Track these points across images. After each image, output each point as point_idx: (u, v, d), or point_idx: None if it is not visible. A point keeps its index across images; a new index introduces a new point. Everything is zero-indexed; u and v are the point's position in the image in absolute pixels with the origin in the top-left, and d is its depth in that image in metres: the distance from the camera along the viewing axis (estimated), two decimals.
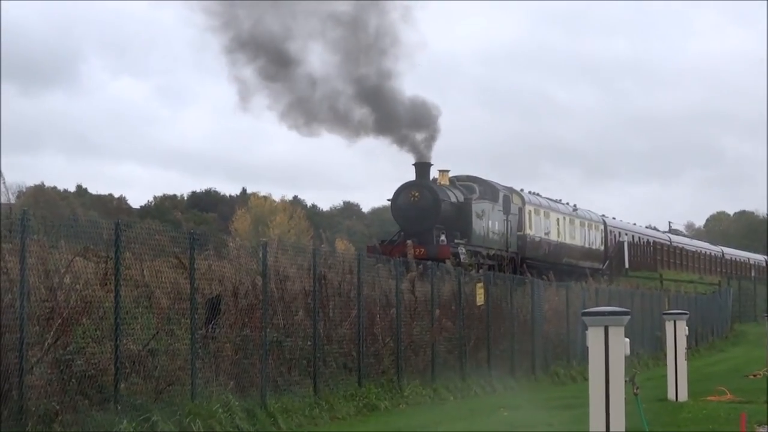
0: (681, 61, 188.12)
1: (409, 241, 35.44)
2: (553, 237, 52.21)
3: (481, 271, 35.36)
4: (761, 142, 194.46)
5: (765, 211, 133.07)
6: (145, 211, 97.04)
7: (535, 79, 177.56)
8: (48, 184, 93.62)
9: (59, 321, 14.96)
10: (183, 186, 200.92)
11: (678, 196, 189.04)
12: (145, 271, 16.91)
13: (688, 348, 23.06)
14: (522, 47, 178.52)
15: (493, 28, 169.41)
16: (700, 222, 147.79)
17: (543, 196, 53.48)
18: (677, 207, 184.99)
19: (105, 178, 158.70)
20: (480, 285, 28.94)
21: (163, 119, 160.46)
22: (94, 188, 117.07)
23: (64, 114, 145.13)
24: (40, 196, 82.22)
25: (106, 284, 15.99)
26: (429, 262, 28.30)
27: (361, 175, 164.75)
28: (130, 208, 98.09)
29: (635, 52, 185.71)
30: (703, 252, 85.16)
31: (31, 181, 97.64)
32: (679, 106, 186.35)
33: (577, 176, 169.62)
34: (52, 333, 14.83)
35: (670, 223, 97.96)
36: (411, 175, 42.08)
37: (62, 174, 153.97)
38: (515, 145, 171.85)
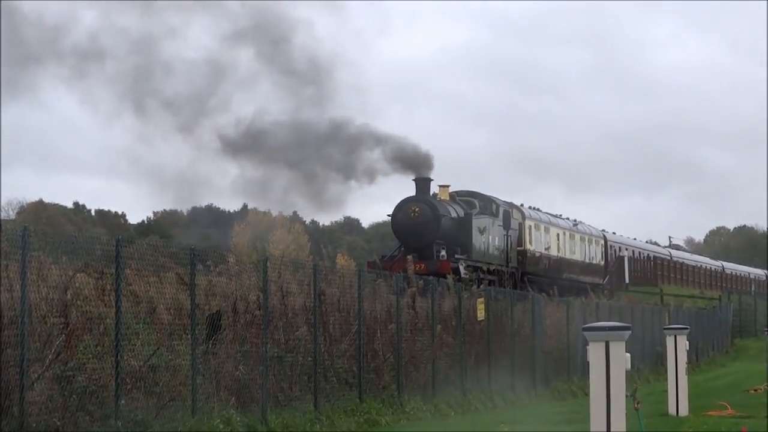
0: (642, 72, 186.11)
1: (409, 257, 35.39)
2: (554, 252, 52.20)
3: (481, 286, 35.36)
4: (740, 154, 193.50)
5: (764, 226, 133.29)
6: (146, 227, 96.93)
7: (503, 92, 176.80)
8: (21, 199, 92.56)
9: (60, 337, 14.97)
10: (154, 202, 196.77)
11: (663, 210, 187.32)
12: (145, 287, 16.93)
13: (689, 363, 23.05)
14: (483, 61, 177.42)
15: (449, 41, 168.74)
16: (700, 236, 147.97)
17: (543, 211, 53.52)
18: (663, 221, 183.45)
19: (84, 194, 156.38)
20: (481, 300, 28.93)
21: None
22: (92, 204, 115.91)
23: (24, 126, 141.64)
24: (41, 212, 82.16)
25: (106, 300, 16.01)
26: (429, 278, 28.31)
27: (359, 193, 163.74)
28: (127, 224, 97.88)
29: (597, 62, 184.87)
30: (704, 267, 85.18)
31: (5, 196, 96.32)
32: (651, 118, 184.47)
33: (557, 189, 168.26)
34: (53, 349, 14.84)
35: (670, 237, 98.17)
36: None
37: (33, 188, 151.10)
38: (489, 157, 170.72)
